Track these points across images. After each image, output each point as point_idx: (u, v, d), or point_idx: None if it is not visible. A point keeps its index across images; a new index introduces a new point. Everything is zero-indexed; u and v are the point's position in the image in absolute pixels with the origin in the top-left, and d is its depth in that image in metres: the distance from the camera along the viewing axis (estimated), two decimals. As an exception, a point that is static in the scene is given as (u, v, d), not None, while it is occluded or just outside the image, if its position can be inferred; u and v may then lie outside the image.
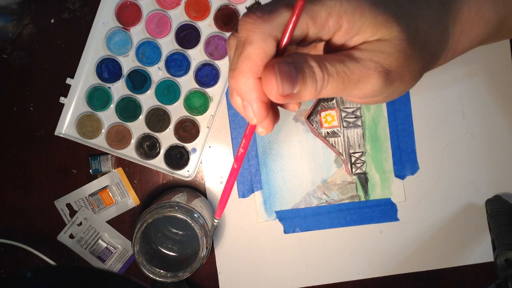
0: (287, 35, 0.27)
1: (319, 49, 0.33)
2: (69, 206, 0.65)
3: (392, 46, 0.28)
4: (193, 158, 0.64)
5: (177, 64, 0.63)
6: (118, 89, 0.63)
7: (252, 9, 0.28)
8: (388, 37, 0.28)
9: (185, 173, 0.64)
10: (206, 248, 0.56)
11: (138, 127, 0.64)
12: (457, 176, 0.65)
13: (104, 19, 0.62)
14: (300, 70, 0.27)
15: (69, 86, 0.62)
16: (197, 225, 0.56)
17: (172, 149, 0.64)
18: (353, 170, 0.65)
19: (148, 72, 0.63)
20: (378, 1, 0.28)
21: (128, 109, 0.63)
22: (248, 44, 0.27)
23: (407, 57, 0.29)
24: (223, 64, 0.63)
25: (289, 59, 0.27)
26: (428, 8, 0.31)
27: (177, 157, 0.64)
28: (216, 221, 0.37)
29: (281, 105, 0.32)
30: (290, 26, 0.27)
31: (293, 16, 0.27)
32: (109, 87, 0.63)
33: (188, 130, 0.64)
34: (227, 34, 0.63)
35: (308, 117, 0.64)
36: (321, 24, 0.28)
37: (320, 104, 0.64)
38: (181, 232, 0.64)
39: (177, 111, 0.63)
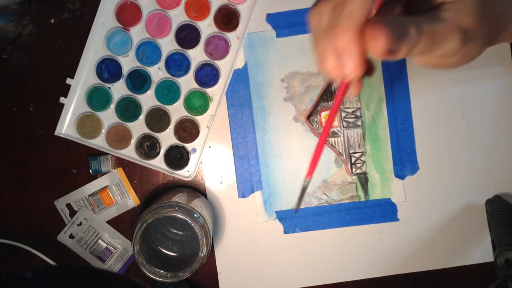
0: None
1: (398, 9, 0.36)
2: (69, 206, 0.65)
3: (471, 6, 0.31)
4: (193, 158, 0.64)
5: (177, 64, 0.63)
6: (118, 89, 0.63)
7: None
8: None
9: (185, 173, 0.64)
10: (206, 248, 0.56)
11: (138, 127, 0.64)
12: (457, 176, 0.65)
13: (104, 19, 0.62)
14: (399, 28, 0.29)
15: (69, 86, 0.63)
16: (197, 225, 0.56)
17: (172, 149, 0.64)
18: (353, 170, 0.65)
19: (148, 72, 0.63)
20: None
21: (128, 109, 0.63)
22: (349, 2, 0.28)
23: (482, 18, 0.31)
24: (223, 64, 0.63)
25: (390, 18, 0.29)
26: None
27: (177, 157, 0.64)
28: (306, 182, 0.37)
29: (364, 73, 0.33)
30: None
31: None
32: (109, 87, 0.63)
33: (188, 130, 0.64)
34: (227, 34, 0.63)
35: (308, 117, 0.64)
36: None
37: (320, 104, 0.64)
38: (181, 232, 0.64)
39: (177, 111, 0.63)
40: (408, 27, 0.29)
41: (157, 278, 0.57)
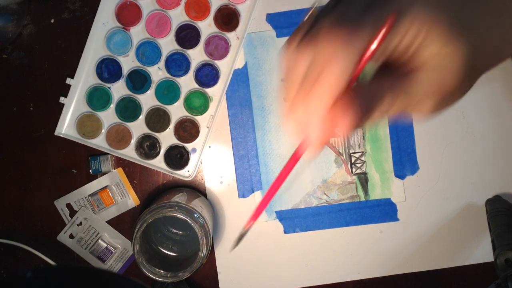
0: (369, 52, 0.25)
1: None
2: (69, 206, 0.65)
3: (458, 61, 0.26)
4: (193, 158, 0.64)
5: (177, 64, 0.63)
6: (118, 89, 0.63)
7: (337, 21, 0.25)
8: (457, 51, 0.26)
9: (185, 173, 0.64)
10: (206, 248, 0.56)
11: (138, 127, 0.64)
12: (457, 176, 0.65)
13: (104, 19, 0.62)
14: (372, 106, 0.26)
15: (69, 86, 0.62)
16: (197, 225, 0.56)
17: (172, 149, 0.64)
18: (353, 170, 0.65)
19: (148, 72, 0.63)
20: (453, 8, 0.26)
21: (128, 109, 0.63)
22: (333, 63, 0.25)
23: (469, 74, 0.28)
24: (223, 64, 0.63)
25: (365, 93, 0.26)
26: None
27: (177, 157, 0.64)
28: (244, 230, 0.34)
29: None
30: (375, 45, 0.25)
31: (380, 34, 0.24)
32: (109, 87, 0.63)
33: (188, 130, 0.64)
34: (227, 34, 0.63)
35: (308, 117, 0.64)
36: (401, 34, 0.25)
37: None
38: (181, 232, 0.64)
39: (177, 111, 0.63)
40: (380, 102, 0.26)
41: (157, 278, 0.57)
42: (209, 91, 0.63)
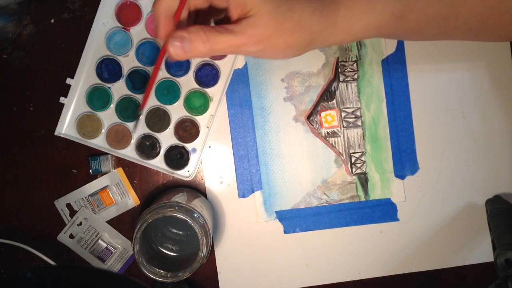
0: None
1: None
2: (69, 206, 0.65)
3: (263, 19, 0.38)
4: (193, 158, 0.64)
5: (177, 64, 0.63)
6: (118, 89, 0.63)
7: None
8: (261, 12, 0.38)
9: (185, 173, 0.64)
10: (206, 248, 0.56)
11: (138, 127, 0.63)
12: (457, 176, 0.65)
13: (104, 19, 0.62)
14: (187, 43, 0.39)
15: (69, 86, 0.63)
16: (197, 225, 0.56)
17: (172, 149, 0.64)
18: (353, 170, 0.65)
19: (148, 72, 0.63)
20: None
21: (128, 109, 0.63)
22: None
23: (276, 31, 0.39)
24: (223, 64, 0.63)
25: (185, 33, 0.39)
26: None
27: (177, 157, 0.64)
28: (140, 111, 0.56)
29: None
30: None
31: None
32: (109, 87, 0.63)
33: (188, 130, 0.64)
34: (227, 34, 0.63)
35: (308, 117, 0.64)
36: None
37: (320, 104, 0.64)
38: (181, 232, 0.64)
39: (177, 111, 0.63)
40: (197, 42, 0.39)
41: (157, 278, 0.57)
42: (209, 91, 0.63)
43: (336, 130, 0.64)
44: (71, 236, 0.65)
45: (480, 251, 0.65)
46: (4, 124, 0.64)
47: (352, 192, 0.65)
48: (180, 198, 0.59)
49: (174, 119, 0.63)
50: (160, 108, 0.63)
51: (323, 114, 0.64)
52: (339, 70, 0.64)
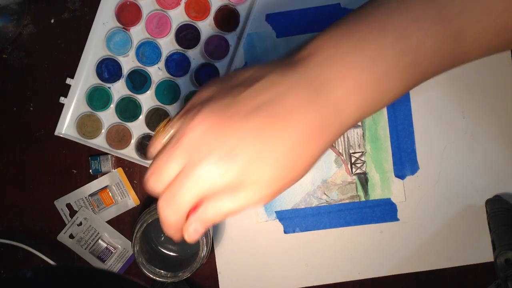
0: None
1: None
2: (69, 206, 0.65)
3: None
4: (193, 158, 0.64)
5: (177, 64, 0.63)
6: (118, 89, 0.63)
7: None
8: None
9: (185, 173, 0.64)
10: (206, 248, 0.56)
11: (138, 127, 0.64)
12: (457, 176, 0.65)
13: (104, 19, 0.62)
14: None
15: (69, 86, 0.63)
16: (197, 225, 0.55)
17: (172, 149, 0.64)
18: (353, 170, 0.65)
19: (148, 72, 0.63)
20: None
21: (128, 109, 0.63)
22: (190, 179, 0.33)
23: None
24: (223, 64, 0.63)
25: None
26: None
27: (177, 157, 0.64)
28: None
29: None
30: None
31: None
32: (109, 87, 0.63)
33: (188, 130, 0.64)
34: (227, 34, 0.63)
35: (308, 117, 0.64)
36: None
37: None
38: (181, 232, 0.64)
39: (177, 111, 0.63)
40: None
41: (157, 278, 0.57)
42: (209, 91, 0.63)
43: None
44: (71, 236, 0.65)
45: (480, 251, 0.65)
46: (4, 124, 0.64)
47: (352, 192, 0.65)
48: (180, 198, 0.59)
49: (174, 119, 0.63)
50: (160, 108, 0.63)
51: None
52: (339, 70, 0.64)
